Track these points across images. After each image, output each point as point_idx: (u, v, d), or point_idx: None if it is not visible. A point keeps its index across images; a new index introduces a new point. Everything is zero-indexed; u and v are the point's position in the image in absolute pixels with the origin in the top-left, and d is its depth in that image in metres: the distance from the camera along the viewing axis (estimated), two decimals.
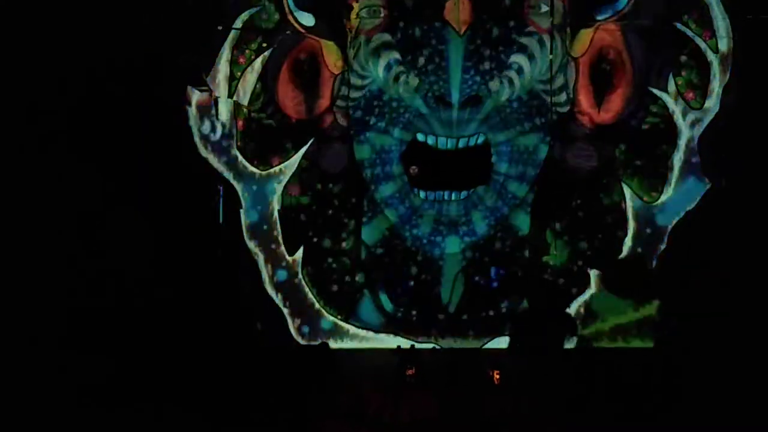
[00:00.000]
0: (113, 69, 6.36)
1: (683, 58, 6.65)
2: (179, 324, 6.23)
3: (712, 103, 6.64)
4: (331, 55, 6.79)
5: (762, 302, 6.24)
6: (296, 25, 6.78)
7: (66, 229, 6.26)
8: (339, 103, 6.80)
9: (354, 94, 6.77)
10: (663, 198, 6.76)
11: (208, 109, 6.82)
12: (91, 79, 6.42)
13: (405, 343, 6.64)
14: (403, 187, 6.78)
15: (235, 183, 6.86)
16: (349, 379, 6.12)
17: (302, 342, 6.86)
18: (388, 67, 6.65)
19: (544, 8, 6.59)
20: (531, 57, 6.57)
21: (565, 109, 6.72)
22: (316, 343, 6.75)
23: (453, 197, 6.72)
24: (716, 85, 6.63)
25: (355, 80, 6.74)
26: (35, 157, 6.30)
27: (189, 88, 6.77)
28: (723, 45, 6.61)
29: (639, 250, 6.76)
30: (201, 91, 6.80)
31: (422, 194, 6.74)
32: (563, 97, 6.71)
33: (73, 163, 6.30)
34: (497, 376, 5.89)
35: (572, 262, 6.81)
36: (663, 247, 6.73)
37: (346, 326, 6.89)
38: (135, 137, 6.44)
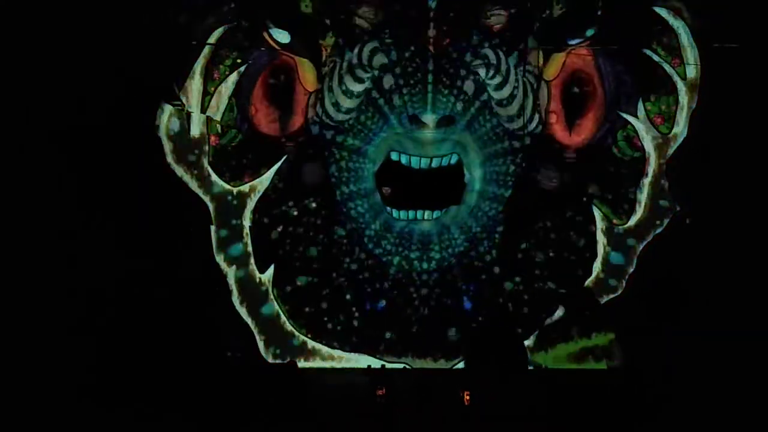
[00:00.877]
0: (84, 83, 6.26)
1: (652, 83, 6.77)
2: (145, 340, 6.09)
3: (681, 129, 6.77)
4: (305, 72, 6.78)
5: (729, 323, 6.31)
6: (271, 42, 6.77)
7: (33, 242, 6.11)
8: (313, 120, 6.79)
9: (328, 112, 6.77)
10: (632, 221, 6.85)
11: (180, 124, 6.77)
12: (60, 93, 6.32)
13: (376, 363, 6.60)
14: (376, 205, 6.78)
15: (205, 199, 6.79)
16: (318, 399, 6.05)
17: (270, 360, 6.77)
18: (362, 86, 6.67)
19: (517, 33, 6.67)
20: (504, 79, 6.64)
21: (538, 131, 6.78)
22: (285, 361, 6.68)
23: (426, 216, 6.74)
24: (684, 111, 6.77)
25: (329, 98, 6.74)
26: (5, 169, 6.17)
27: (161, 102, 6.71)
28: (691, 72, 6.75)
29: (606, 273, 6.84)
30: (173, 105, 6.74)
31: (395, 213, 6.75)
32: (536, 119, 6.77)
33: (43, 177, 6.17)
34: (467, 397, 5.86)
35: (541, 284, 6.85)
36: (632, 270, 6.81)
37: (317, 345, 6.82)
38: (104, 153, 6.33)
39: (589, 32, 6.72)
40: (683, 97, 6.76)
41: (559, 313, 6.79)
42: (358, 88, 6.68)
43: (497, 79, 6.65)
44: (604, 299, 6.80)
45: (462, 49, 6.59)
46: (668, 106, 6.78)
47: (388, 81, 6.64)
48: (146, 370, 5.86)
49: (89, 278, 6.16)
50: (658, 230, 6.80)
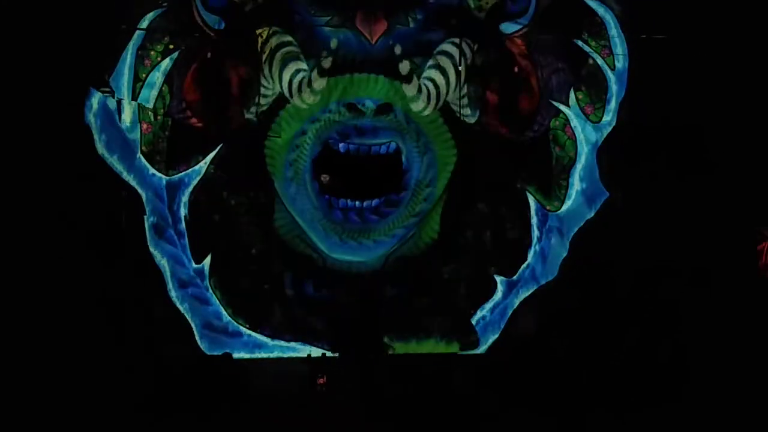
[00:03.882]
0: (14, 68, 6.01)
1: (583, 73, 6.94)
2: (80, 331, 5.91)
3: (610, 117, 6.97)
4: (240, 59, 6.67)
5: (656, 309, 6.56)
6: (205, 27, 6.62)
7: None
8: (249, 108, 6.68)
9: (263, 100, 6.67)
10: (564, 207, 7.02)
11: (110, 112, 6.56)
12: None
13: (316, 352, 6.58)
14: (315, 193, 6.73)
15: (138, 188, 6.61)
16: (259, 389, 6.00)
17: (206, 352, 6.66)
18: (299, 74, 6.59)
19: (453, 21, 6.73)
20: (441, 68, 6.69)
21: (473, 119, 6.86)
22: (219, 353, 6.59)
23: (365, 204, 6.75)
24: (613, 100, 6.96)
25: (265, 85, 6.65)
26: None
27: (90, 89, 6.49)
28: (619, 62, 6.95)
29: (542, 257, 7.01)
30: (103, 92, 6.52)
31: (334, 201, 6.72)
32: (471, 108, 6.85)
33: None
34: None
35: (479, 269, 6.96)
36: (565, 254, 6.99)
37: (255, 335, 6.75)
38: (34, 140, 6.09)
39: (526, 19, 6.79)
40: (612, 87, 6.95)
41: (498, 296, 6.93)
42: (293, 75, 6.59)
43: (434, 68, 6.68)
44: (540, 284, 6.96)
45: (401, 36, 6.59)
46: (598, 95, 6.96)
47: (324, 68, 6.57)
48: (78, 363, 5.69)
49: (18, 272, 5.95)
50: (589, 216, 6.98)
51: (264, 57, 6.63)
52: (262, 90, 6.65)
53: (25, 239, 5.99)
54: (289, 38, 6.61)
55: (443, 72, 6.69)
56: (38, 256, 5.99)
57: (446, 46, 6.71)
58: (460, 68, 6.73)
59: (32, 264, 5.97)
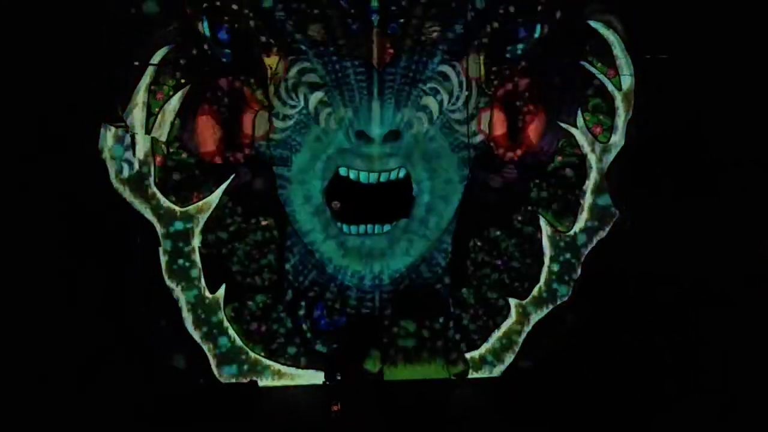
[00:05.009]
0: (28, 103, 6.15)
1: (590, 94, 6.99)
2: (94, 365, 5.98)
3: (618, 137, 6.99)
4: (251, 90, 6.78)
5: (671, 327, 6.54)
6: (215, 61, 6.73)
7: None
8: (260, 138, 6.78)
9: (275, 130, 6.76)
10: (575, 227, 7.04)
11: (124, 146, 6.69)
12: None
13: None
14: (326, 221, 6.80)
15: (153, 220, 6.73)
16: (273, 417, 6.06)
17: (224, 381, 6.72)
18: (308, 103, 6.69)
19: (460, 46, 6.78)
20: (449, 92, 6.77)
21: (482, 143, 6.92)
22: (245, 381, 6.66)
23: (376, 230, 6.80)
24: (621, 121, 6.99)
25: (275, 116, 6.75)
26: None
27: (104, 124, 6.62)
28: (626, 83, 7.00)
29: (555, 279, 7.02)
30: (117, 127, 6.65)
31: (345, 228, 6.79)
32: (479, 131, 6.90)
33: None
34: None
35: (491, 292, 6.98)
36: (577, 275, 6.99)
37: (270, 363, 6.80)
38: (50, 176, 6.22)
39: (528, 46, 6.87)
40: (619, 107, 6.99)
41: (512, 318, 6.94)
42: (302, 106, 6.69)
43: (442, 93, 6.75)
44: (554, 306, 6.96)
45: (406, 63, 6.67)
46: (606, 116, 7.00)
47: (333, 97, 6.67)
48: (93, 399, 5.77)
49: (32, 309, 6.04)
50: (601, 236, 6.99)
51: (274, 87, 6.72)
52: (275, 120, 6.75)
53: (41, 275, 6.09)
54: (302, 69, 6.70)
55: (450, 96, 6.75)
56: (52, 292, 6.08)
57: (451, 71, 6.77)
58: (467, 92, 6.80)
59: (45, 300, 6.06)
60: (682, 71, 6.65)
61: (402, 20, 6.62)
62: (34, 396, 5.77)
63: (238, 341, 6.79)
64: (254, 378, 6.68)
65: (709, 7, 6.61)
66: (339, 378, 6.23)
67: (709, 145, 6.68)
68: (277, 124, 6.74)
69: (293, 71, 6.69)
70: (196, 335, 6.74)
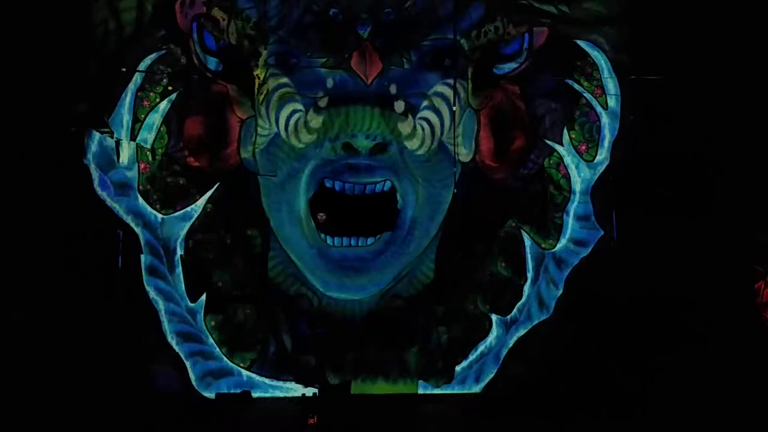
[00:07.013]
0: (13, 110, 6.13)
1: (576, 112, 7.02)
2: (75, 372, 5.92)
3: (603, 156, 7.02)
4: (238, 100, 6.78)
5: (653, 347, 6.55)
6: (203, 69, 6.75)
7: None
8: (245, 147, 6.77)
9: (260, 140, 6.75)
10: (559, 245, 7.04)
11: (108, 152, 6.66)
12: None
13: (310, 392, 6.54)
14: (311, 232, 6.78)
15: (135, 227, 6.68)
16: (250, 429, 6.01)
17: (206, 393, 6.65)
18: (295, 114, 6.67)
19: (448, 61, 6.83)
20: (436, 109, 6.77)
21: (468, 158, 6.93)
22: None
23: (360, 243, 6.78)
24: (606, 139, 7.03)
25: (262, 125, 6.74)
26: None
27: (90, 130, 6.59)
28: (612, 102, 7.04)
29: (537, 295, 7.01)
30: (102, 133, 6.63)
31: (329, 240, 6.76)
32: (466, 147, 6.92)
33: None
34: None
35: (474, 308, 6.95)
36: (560, 292, 6.99)
37: (249, 374, 6.74)
38: (33, 180, 6.18)
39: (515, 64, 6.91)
40: (605, 126, 7.02)
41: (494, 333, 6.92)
42: (290, 115, 6.68)
43: (429, 109, 6.76)
44: (535, 322, 6.95)
45: (396, 77, 6.68)
46: (591, 134, 7.03)
47: (320, 107, 6.65)
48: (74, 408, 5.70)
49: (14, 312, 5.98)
50: (584, 254, 7.00)
51: (261, 98, 6.73)
52: (259, 130, 6.74)
53: (22, 278, 6.04)
54: (286, 80, 6.70)
55: (438, 113, 6.77)
56: (34, 296, 6.02)
57: (441, 87, 6.79)
58: (454, 108, 6.82)
59: (27, 303, 6.00)
60: (671, 91, 6.70)
61: (391, 33, 6.64)
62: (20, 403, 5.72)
63: (217, 351, 6.72)
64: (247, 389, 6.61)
65: (696, 27, 6.67)
66: (318, 390, 6.19)
67: (695, 164, 6.72)
68: (262, 132, 6.72)
69: (280, 83, 6.68)
70: (175, 344, 6.67)
